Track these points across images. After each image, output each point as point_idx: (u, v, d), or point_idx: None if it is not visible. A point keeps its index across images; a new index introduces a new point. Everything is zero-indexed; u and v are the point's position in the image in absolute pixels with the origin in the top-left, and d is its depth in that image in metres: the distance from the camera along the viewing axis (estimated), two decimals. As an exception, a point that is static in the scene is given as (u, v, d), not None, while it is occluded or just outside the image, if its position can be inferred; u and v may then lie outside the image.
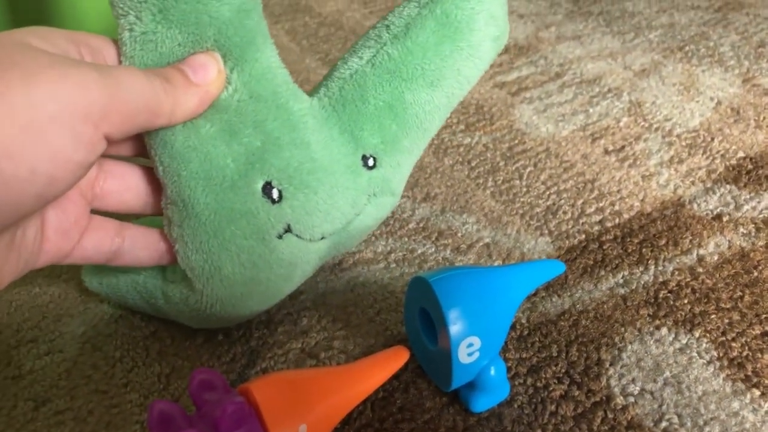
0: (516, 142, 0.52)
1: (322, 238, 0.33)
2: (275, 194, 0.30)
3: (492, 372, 0.30)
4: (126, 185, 0.31)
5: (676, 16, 0.70)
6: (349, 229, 0.34)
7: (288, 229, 0.31)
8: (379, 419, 0.32)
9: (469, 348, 0.29)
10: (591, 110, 0.55)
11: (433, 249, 0.42)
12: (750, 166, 0.46)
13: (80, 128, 0.23)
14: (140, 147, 0.30)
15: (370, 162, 0.34)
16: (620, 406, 0.31)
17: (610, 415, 0.31)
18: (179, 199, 0.29)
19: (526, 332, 0.35)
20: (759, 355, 0.33)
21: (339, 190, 0.32)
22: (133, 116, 0.25)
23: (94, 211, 0.30)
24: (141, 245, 0.31)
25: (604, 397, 0.32)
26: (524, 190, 0.46)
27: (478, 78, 0.36)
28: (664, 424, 0.30)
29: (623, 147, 0.50)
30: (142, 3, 0.26)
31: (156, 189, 0.31)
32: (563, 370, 0.33)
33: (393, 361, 0.31)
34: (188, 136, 0.28)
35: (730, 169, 0.46)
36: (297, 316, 0.38)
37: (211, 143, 0.29)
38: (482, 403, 0.31)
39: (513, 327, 0.36)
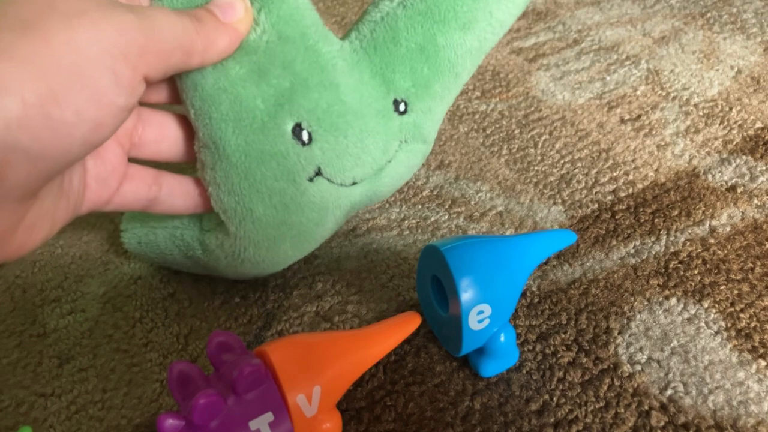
0: (532, 109, 0.52)
1: (354, 184, 0.33)
2: (305, 136, 0.31)
3: (501, 338, 0.31)
4: (163, 134, 0.31)
5: (699, -19, 0.69)
6: (381, 176, 0.34)
7: (319, 173, 0.32)
8: (391, 381, 0.33)
9: (479, 315, 0.30)
10: (608, 78, 0.54)
11: (446, 217, 0.42)
12: (767, 137, 0.46)
13: (121, 70, 0.23)
14: (175, 94, 0.31)
15: (402, 107, 0.34)
16: (627, 374, 0.32)
17: (617, 383, 0.31)
18: (211, 142, 0.30)
19: (536, 300, 0.36)
20: (767, 326, 0.33)
21: (369, 134, 0.32)
22: (168, 56, 0.25)
23: (132, 160, 0.31)
24: (177, 193, 0.32)
25: (611, 365, 0.32)
26: (539, 158, 0.46)
27: (510, 23, 0.35)
28: (669, 392, 0.31)
29: (639, 116, 0.49)
30: None
31: (192, 137, 0.32)
32: (572, 338, 0.34)
33: (405, 325, 0.32)
34: (218, 78, 0.29)
35: (747, 139, 0.46)
36: (312, 281, 0.38)
37: (240, 84, 0.29)
38: (491, 368, 0.32)
39: (524, 294, 0.36)
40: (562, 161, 0.46)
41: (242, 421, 0.26)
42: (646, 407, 0.30)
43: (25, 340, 0.37)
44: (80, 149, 0.23)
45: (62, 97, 0.21)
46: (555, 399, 0.31)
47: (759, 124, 0.47)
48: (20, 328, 0.37)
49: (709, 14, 0.62)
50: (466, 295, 0.29)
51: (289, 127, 0.31)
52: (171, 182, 0.32)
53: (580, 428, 0.30)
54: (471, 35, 0.34)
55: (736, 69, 0.54)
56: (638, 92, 0.52)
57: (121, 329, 0.37)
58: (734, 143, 0.46)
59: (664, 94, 0.52)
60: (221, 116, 0.29)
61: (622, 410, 0.30)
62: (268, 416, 0.26)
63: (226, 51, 0.28)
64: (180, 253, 0.36)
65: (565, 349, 0.33)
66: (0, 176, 0.21)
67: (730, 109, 0.49)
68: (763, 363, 0.32)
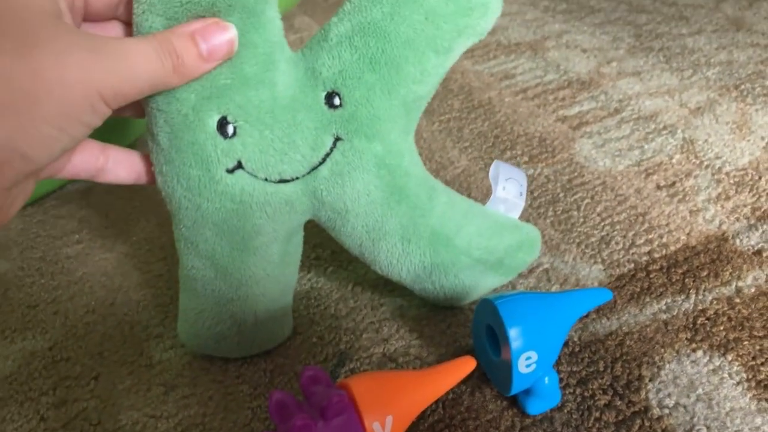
0: (575, 174, 0.57)
1: (283, 181, 0.36)
2: (230, 130, 0.34)
3: (546, 381, 0.36)
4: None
5: (735, 54, 0.74)
6: (319, 177, 0.36)
7: (240, 166, 0.35)
8: (449, 417, 0.38)
9: (527, 360, 0.35)
10: (646, 146, 0.59)
11: (497, 271, 0.47)
12: (793, 205, 0.50)
13: (98, 105, 0.29)
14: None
15: (336, 100, 0.35)
16: (656, 416, 0.36)
17: (647, 424, 0.36)
18: (151, 130, 0.35)
19: (577, 349, 0.41)
20: (784, 379, 0.38)
21: (297, 128, 0.35)
22: (140, 91, 0.30)
23: None
24: (122, 164, 0.36)
25: (642, 408, 0.37)
26: (581, 220, 0.51)
27: (448, 17, 0.36)
28: (693, 433, 0.35)
29: (674, 183, 0.54)
30: None
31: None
32: (608, 383, 0.38)
33: (462, 368, 0.37)
34: None
35: (774, 207, 0.51)
36: (379, 326, 0.44)
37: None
38: (537, 407, 0.37)
39: (566, 344, 0.41)
40: (602, 224, 0.51)
41: (329, 442, 0.31)
42: (673, 446, 0.35)
43: (136, 369, 0.43)
44: (59, 153, 0.30)
45: (51, 119, 0.28)
46: (592, 436, 0.36)
47: (786, 193, 0.52)
48: (131, 359, 0.44)
49: (743, 86, 0.67)
50: (516, 343, 0.34)
51: (214, 120, 0.33)
52: (116, 154, 0.36)
53: (614, 462, 0.35)
54: (402, 26, 0.35)
55: (766, 140, 0.58)
56: (674, 160, 0.57)
57: (216, 364, 0.43)
58: (762, 210, 0.50)
59: (697, 162, 0.57)
60: (157, 106, 0.33)
61: (652, 448, 0.35)
62: (350, 439, 0.32)
63: (198, 77, 0.32)
64: (220, 329, 0.41)
65: (601, 392, 0.38)
66: (1, 172, 0.28)
67: (760, 177, 0.54)
68: (779, 411, 0.36)
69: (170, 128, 0.34)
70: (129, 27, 0.33)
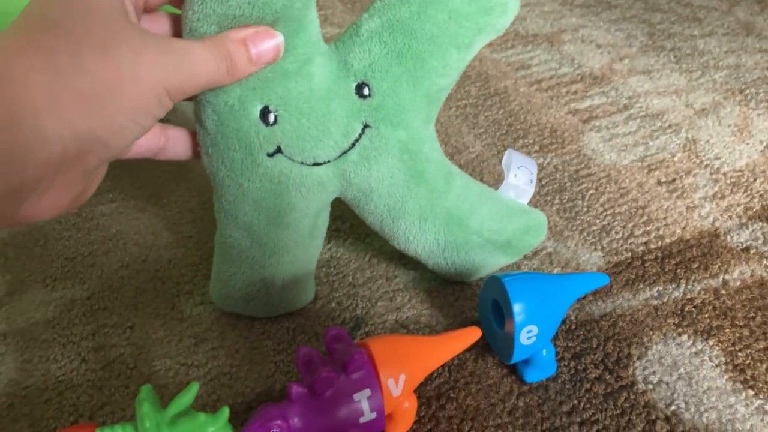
0: (582, 166, 0.60)
1: (316, 164, 0.39)
2: (271, 118, 0.37)
3: (544, 353, 0.40)
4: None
5: (743, 58, 0.77)
6: (348, 161, 0.40)
7: (279, 150, 0.38)
8: (454, 380, 0.42)
9: (528, 333, 0.39)
10: (651, 143, 0.63)
11: (503, 252, 0.51)
12: (784, 207, 0.54)
13: (164, 99, 0.32)
14: None
15: (365, 90, 0.38)
16: (641, 391, 0.40)
17: (632, 396, 0.40)
18: (199, 118, 0.38)
19: (573, 326, 0.45)
20: (759, 365, 0.42)
21: (331, 117, 0.38)
22: (198, 88, 0.33)
23: None
24: (180, 142, 0.39)
25: (629, 383, 0.41)
26: (585, 209, 0.55)
27: (470, 16, 0.39)
28: (673, 407, 0.39)
29: (674, 180, 0.58)
30: None
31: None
32: (599, 359, 0.42)
33: (468, 337, 0.40)
34: None
35: (766, 208, 0.54)
36: (393, 295, 0.48)
37: None
38: (534, 376, 0.41)
39: (564, 321, 0.45)
40: (604, 214, 0.54)
41: (349, 393, 0.35)
42: (653, 417, 0.39)
43: (168, 321, 0.47)
44: (132, 142, 0.33)
45: (127, 112, 0.31)
46: (582, 404, 0.40)
47: (778, 196, 0.55)
48: (163, 312, 0.48)
49: (747, 90, 0.70)
50: (519, 317, 0.38)
51: (257, 109, 0.36)
52: (175, 133, 0.39)
53: (600, 428, 0.39)
54: (428, 24, 0.38)
55: (765, 144, 0.62)
56: (676, 158, 0.61)
57: (243, 321, 0.47)
58: (754, 210, 0.54)
59: (698, 161, 0.60)
60: (206, 98, 0.36)
61: (634, 418, 0.39)
62: (367, 392, 0.36)
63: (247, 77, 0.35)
64: (249, 295, 0.44)
65: (593, 367, 0.42)
66: (86, 159, 0.30)
67: (755, 179, 0.57)
68: (751, 392, 0.40)
69: (217, 116, 0.37)
70: (176, 17, 0.37)
